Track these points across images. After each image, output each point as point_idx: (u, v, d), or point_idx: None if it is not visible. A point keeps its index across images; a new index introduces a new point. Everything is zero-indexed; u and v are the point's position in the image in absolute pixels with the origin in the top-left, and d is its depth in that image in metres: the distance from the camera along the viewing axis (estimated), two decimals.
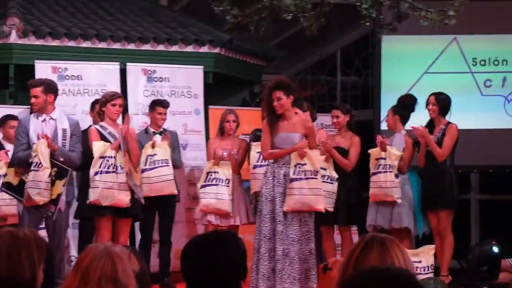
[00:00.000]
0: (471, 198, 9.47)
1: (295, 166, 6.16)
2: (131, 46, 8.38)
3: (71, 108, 7.56)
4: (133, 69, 8.15)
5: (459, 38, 8.62)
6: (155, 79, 8.20)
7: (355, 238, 7.22)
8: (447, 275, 6.90)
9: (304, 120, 6.36)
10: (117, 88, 7.56)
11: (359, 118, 7.95)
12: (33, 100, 6.40)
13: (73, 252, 7.45)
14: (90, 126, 6.80)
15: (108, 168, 6.37)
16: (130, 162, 6.44)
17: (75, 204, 6.99)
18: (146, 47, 8.45)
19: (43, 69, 7.67)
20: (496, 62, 8.61)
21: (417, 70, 8.71)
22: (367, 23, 7.22)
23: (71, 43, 8.19)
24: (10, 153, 6.70)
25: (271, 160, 6.34)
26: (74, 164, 6.44)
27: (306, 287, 6.05)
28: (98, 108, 6.69)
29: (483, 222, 9.29)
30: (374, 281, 1.97)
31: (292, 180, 6.14)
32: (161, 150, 7.13)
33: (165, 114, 7.39)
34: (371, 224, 7.00)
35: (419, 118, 7.14)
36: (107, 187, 6.36)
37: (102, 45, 8.31)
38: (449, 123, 7.01)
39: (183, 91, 8.31)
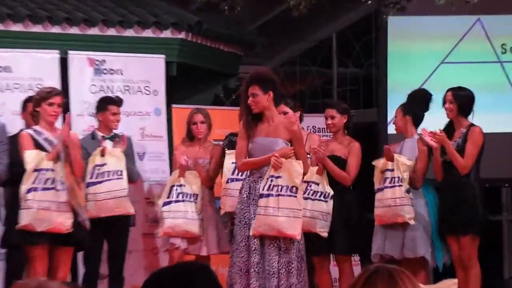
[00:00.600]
0: (502, 220, 9.60)
1: (267, 178, 6.22)
2: (74, 30, 8.40)
3: None
4: (76, 58, 8.15)
5: (483, 19, 8.83)
6: (105, 71, 8.22)
7: (357, 270, 7.26)
8: None
9: (289, 122, 6.43)
10: (56, 83, 7.57)
11: (360, 119, 8.17)
12: None
13: None
14: (21, 130, 6.78)
15: (44, 183, 6.38)
16: (73, 175, 6.45)
17: (1, 229, 6.97)
18: (93, 31, 8.48)
19: None
20: None
21: (432, 60, 8.80)
22: (369, 1, 7.25)
23: None
24: None
25: (248, 173, 6.42)
26: None
27: None
28: (32, 108, 6.68)
29: None
30: None
31: (261, 196, 6.20)
32: (113, 159, 7.16)
33: (119, 114, 7.47)
34: (378, 253, 7.05)
35: (435, 120, 7.21)
36: (43, 208, 6.35)
37: (37, 28, 8.29)
38: (471, 125, 7.06)
39: (139, 87, 8.36)
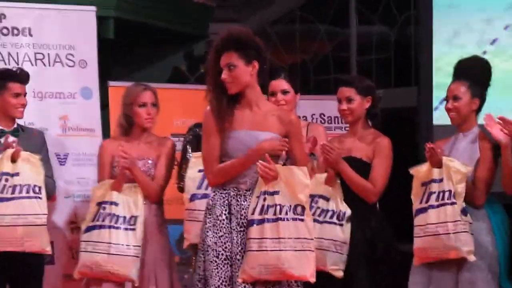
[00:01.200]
0: None
1: (258, 196, 5.99)
2: None
3: None
4: None
5: None
6: (6, 31, 8.26)
7: None
8: None
9: (283, 110, 6.38)
10: None
11: (391, 103, 8.17)
12: None
13: None
14: None
15: None
16: None
17: None
18: None
19: None
20: None
21: (495, 18, 9.04)
22: None
23: None
24: None
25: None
26: None
27: None
28: None
29: None
30: None
31: (250, 222, 5.97)
32: (27, 166, 7.08)
33: (25, 95, 7.39)
34: None
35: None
36: None
37: None
38: None
39: (58, 55, 8.33)
